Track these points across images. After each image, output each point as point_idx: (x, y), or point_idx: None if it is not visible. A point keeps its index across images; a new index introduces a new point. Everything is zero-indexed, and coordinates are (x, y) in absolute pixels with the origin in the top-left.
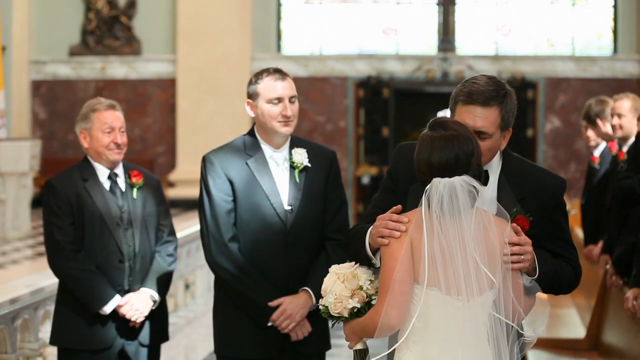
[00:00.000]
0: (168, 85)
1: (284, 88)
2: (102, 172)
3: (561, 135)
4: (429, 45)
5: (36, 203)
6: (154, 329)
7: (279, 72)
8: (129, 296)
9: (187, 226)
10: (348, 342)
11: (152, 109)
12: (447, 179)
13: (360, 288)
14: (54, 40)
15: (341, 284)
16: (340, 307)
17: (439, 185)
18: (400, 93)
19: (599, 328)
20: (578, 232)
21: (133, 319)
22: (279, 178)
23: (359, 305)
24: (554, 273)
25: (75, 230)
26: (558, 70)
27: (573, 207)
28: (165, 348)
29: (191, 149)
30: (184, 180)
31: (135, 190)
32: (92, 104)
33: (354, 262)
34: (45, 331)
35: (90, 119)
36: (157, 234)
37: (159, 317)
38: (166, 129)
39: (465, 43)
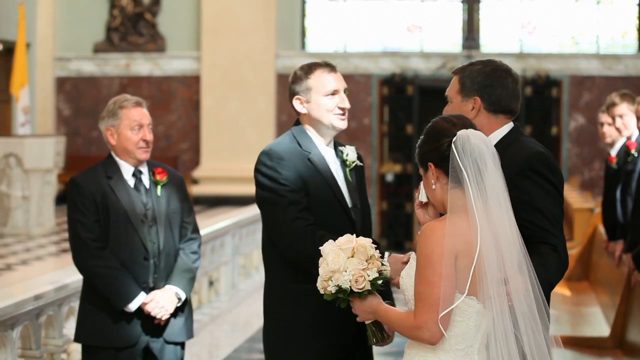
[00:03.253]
0: (192, 83)
1: (338, 80)
2: (127, 170)
3: (585, 133)
4: (453, 42)
5: (60, 200)
6: (178, 326)
7: (329, 65)
8: (154, 293)
9: (211, 223)
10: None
11: (176, 106)
12: (471, 130)
13: (372, 257)
14: (78, 37)
15: (352, 259)
16: (363, 281)
17: (467, 133)
18: (425, 90)
19: (624, 326)
20: (602, 231)
21: (158, 316)
22: (336, 176)
23: (377, 275)
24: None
25: (100, 228)
26: (582, 68)
27: (597, 206)
28: (188, 345)
29: (215, 146)
30: (208, 177)
31: (159, 187)
32: (119, 101)
33: (347, 234)
34: (70, 328)
35: (118, 116)
36: (181, 231)
37: (183, 314)
38: (190, 126)
39: (490, 41)
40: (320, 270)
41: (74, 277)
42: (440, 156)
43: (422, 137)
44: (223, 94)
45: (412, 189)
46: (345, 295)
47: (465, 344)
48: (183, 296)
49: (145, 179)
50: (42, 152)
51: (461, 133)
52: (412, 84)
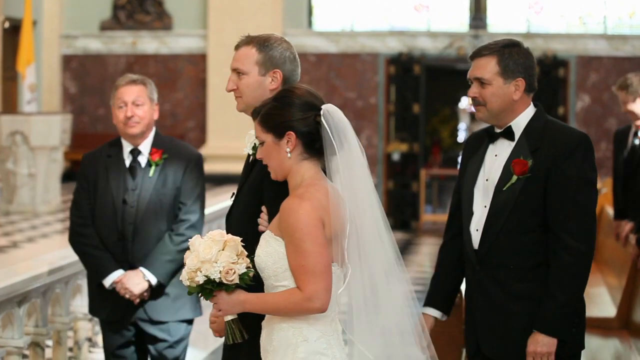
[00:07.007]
0: (199, 61)
1: None
2: (126, 149)
3: (592, 113)
4: (460, 22)
5: (66, 177)
6: (163, 306)
7: None
8: (124, 274)
9: (217, 202)
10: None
11: (182, 84)
12: (329, 104)
13: (242, 252)
14: (85, 15)
15: (224, 252)
16: (233, 274)
17: (330, 108)
18: (431, 70)
19: (630, 307)
20: (609, 211)
21: (126, 296)
22: None
23: (246, 270)
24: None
25: (89, 206)
26: (590, 48)
27: (604, 186)
28: None
29: (221, 125)
30: (214, 156)
31: (152, 168)
32: (118, 80)
33: (219, 229)
34: (76, 305)
35: (113, 95)
36: (174, 213)
37: (171, 295)
38: (197, 104)
39: (497, 20)
40: (188, 262)
41: None
42: (305, 127)
43: (277, 104)
44: (230, 72)
45: (418, 169)
46: (213, 287)
47: (331, 309)
48: (153, 279)
49: (143, 158)
50: (48, 130)
51: (326, 107)
52: (419, 63)
